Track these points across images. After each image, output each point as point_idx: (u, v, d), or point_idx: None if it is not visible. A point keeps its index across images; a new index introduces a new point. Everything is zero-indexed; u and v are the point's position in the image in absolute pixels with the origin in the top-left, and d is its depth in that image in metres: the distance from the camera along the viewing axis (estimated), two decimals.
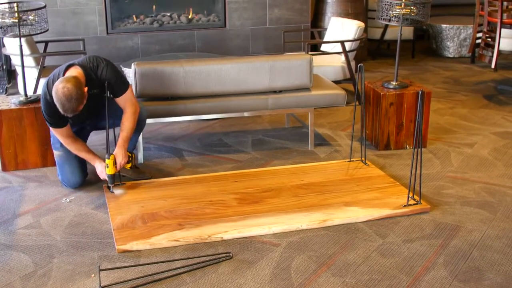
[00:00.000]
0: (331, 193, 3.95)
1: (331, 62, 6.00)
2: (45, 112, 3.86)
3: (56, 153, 4.12)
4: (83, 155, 4.03)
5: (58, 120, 3.86)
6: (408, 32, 7.98)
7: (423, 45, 8.87)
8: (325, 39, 6.46)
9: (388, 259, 3.23)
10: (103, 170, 3.94)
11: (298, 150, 4.82)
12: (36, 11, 4.26)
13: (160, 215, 3.65)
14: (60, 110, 3.63)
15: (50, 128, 4.00)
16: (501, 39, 6.08)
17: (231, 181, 4.13)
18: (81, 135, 4.13)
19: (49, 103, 3.75)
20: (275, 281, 3.04)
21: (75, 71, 3.75)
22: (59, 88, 3.57)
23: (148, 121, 4.51)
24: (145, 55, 6.62)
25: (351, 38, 5.91)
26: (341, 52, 5.87)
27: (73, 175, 4.07)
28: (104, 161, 3.92)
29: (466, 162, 4.54)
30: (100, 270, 3.04)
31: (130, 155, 4.07)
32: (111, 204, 3.78)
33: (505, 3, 6.10)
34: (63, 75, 3.73)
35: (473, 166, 4.48)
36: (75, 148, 4.00)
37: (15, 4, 4.20)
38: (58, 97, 3.58)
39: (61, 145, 4.03)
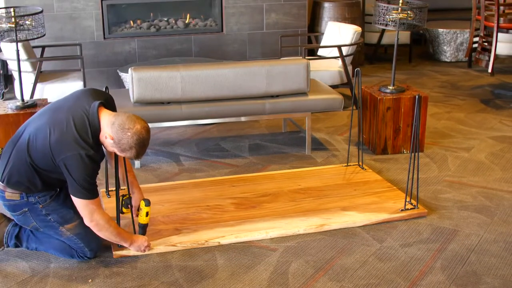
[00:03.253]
0: (329, 197, 3.95)
1: (328, 67, 6.00)
2: (88, 177, 2.97)
3: (70, 226, 3.21)
4: (119, 236, 3.17)
5: (96, 185, 3.08)
6: (405, 36, 7.99)
7: (420, 49, 8.88)
8: (322, 44, 6.47)
9: (386, 264, 3.23)
10: (143, 243, 3.26)
11: (295, 154, 4.82)
12: (33, 16, 4.26)
13: (157, 220, 3.64)
14: (135, 153, 3.02)
15: (86, 207, 3.02)
16: (497, 44, 6.09)
17: (228, 186, 4.13)
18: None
19: (92, 160, 2.95)
20: (272, 286, 3.04)
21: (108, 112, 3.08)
22: (139, 128, 2.96)
23: None
24: (142, 60, 6.62)
25: (348, 42, 5.92)
26: (338, 57, 5.88)
27: (94, 235, 3.22)
28: (138, 210, 3.37)
29: (463, 167, 4.54)
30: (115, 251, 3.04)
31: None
32: (108, 209, 3.77)
33: (501, 8, 6.11)
34: (98, 116, 3.00)
35: (470, 170, 4.48)
36: (113, 226, 3.13)
37: (12, 9, 4.20)
38: (141, 138, 2.97)
39: (75, 213, 3.16)
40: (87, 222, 3.06)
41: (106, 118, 3.00)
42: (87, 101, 3.05)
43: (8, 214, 3.29)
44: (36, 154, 3.01)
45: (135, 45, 6.59)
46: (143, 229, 3.36)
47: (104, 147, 3.10)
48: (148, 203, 3.31)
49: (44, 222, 3.19)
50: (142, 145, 3.00)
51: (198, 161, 4.71)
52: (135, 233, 3.39)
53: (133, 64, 6.07)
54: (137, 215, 3.38)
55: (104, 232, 3.11)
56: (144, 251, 3.28)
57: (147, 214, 3.32)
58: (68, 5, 6.31)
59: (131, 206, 3.41)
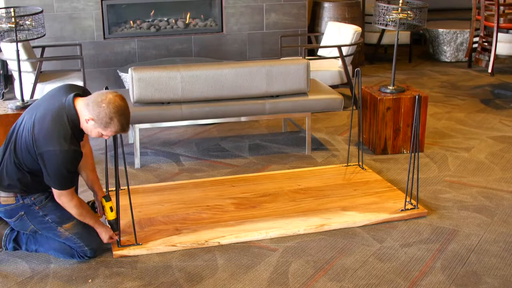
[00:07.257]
0: (329, 197, 3.95)
1: (328, 67, 6.00)
2: (69, 165, 2.99)
3: (68, 226, 3.21)
4: (90, 219, 3.23)
5: (75, 174, 3.15)
6: (405, 36, 7.99)
7: (420, 49, 8.88)
8: (322, 44, 6.47)
9: (386, 264, 3.23)
10: (106, 233, 3.28)
11: (295, 154, 4.82)
12: (33, 16, 4.26)
13: (157, 220, 3.65)
14: (118, 123, 3.00)
15: (62, 196, 3.08)
16: (497, 44, 6.09)
17: (228, 186, 4.13)
18: None
19: (67, 155, 2.96)
20: (272, 286, 3.04)
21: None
22: (111, 97, 2.97)
23: (145, 126, 4.52)
24: (142, 60, 6.62)
25: (348, 42, 5.92)
26: (338, 57, 5.88)
27: (95, 234, 3.30)
28: (103, 208, 3.35)
29: (463, 167, 4.54)
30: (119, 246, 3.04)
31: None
32: None
33: (501, 8, 6.11)
34: (74, 106, 3.02)
35: (470, 170, 4.48)
36: (85, 211, 3.19)
37: (12, 9, 4.20)
38: (117, 105, 2.96)
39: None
40: (56, 197, 3.11)
41: (81, 104, 3.02)
42: (63, 95, 3.08)
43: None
44: (21, 153, 3.03)
45: (135, 45, 6.59)
46: (116, 224, 3.31)
47: (89, 134, 3.09)
48: (108, 198, 3.27)
49: (42, 224, 3.19)
50: (121, 113, 2.98)
51: (198, 161, 4.71)
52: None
53: (133, 64, 6.07)
54: (103, 215, 3.37)
55: (70, 211, 3.15)
56: (108, 241, 3.31)
57: (111, 209, 3.27)
58: (68, 5, 6.31)
59: (98, 208, 3.40)
